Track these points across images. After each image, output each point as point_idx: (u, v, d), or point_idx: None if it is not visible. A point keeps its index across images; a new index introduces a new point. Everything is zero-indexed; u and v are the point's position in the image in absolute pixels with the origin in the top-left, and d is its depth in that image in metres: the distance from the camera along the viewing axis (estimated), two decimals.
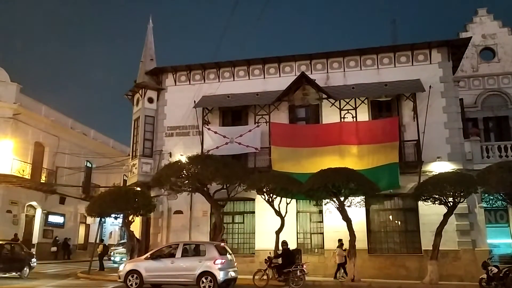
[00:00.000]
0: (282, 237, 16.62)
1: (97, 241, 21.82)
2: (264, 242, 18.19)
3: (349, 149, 18.20)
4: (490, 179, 14.50)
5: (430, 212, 16.80)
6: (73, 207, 31.68)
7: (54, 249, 28.71)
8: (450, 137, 18.44)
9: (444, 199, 15.59)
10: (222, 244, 14.98)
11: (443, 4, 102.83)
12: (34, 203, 27.91)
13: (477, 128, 22.16)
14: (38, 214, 28.38)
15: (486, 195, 16.21)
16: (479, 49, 24.50)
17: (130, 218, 18.38)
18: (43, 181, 28.05)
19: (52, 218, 29.46)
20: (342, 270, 16.64)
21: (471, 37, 20.93)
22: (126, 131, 23.77)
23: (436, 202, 15.82)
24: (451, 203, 15.62)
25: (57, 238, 29.24)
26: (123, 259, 22.99)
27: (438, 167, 17.74)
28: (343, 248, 16.69)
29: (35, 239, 27.87)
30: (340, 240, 17.02)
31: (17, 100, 26.08)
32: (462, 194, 15.35)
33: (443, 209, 15.83)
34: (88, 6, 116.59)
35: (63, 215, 30.59)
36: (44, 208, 28.51)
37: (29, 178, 26.40)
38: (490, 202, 16.42)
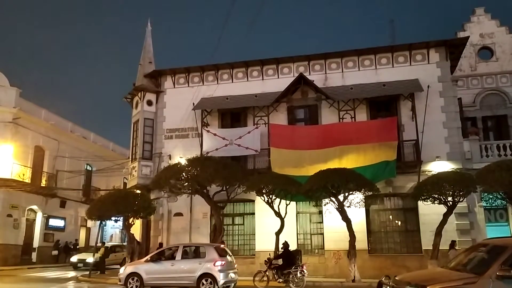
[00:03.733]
0: (282, 238, 16.61)
1: (98, 244, 21.81)
2: (264, 243, 18.21)
3: (348, 150, 18.16)
4: (489, 178, 14.48)
5: (430, 211, 16.79)
6: (74, 211, 31.70)
7: (55, 252, 28.73)
8: (449, 137, 18.47)
9: (443, 198, 15.57)
10: (222, 246, 15.00)
11: (441, 4, 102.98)
12: (34, 207, 27.94)
13: (476, 127, 22.16)
14: (39, 218, 28.41)
15: (486, 194, 16.21)
16: (477, 49, 24.54)
17: (130, 220, 18.39)
18: (44, 185, 28.05)
19: (53, 222, 29.47)
20: None
21: (469, 36, 20.97)
22: (126, 134, 23.80)
23: (436, 202, 15.80)
24: (451, 203, 15.61)
25: (58, 242, 29.26)
26: None
27: (437, 166, 17.77)
28: (456, 248, 15.70)
29: (36, 243, 27.89)
30: (453, 241, 16.10)
31: (17, 104, 26.10)
32: (461, 193, 15.33)
33: (442, 209, 15.82)
34: (88, 9, 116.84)
35: (63, 218, 30.60)
36: (44, 211, 28.52)
37: (29, 182, 26.41)
38: (490, 201, 16.38)
